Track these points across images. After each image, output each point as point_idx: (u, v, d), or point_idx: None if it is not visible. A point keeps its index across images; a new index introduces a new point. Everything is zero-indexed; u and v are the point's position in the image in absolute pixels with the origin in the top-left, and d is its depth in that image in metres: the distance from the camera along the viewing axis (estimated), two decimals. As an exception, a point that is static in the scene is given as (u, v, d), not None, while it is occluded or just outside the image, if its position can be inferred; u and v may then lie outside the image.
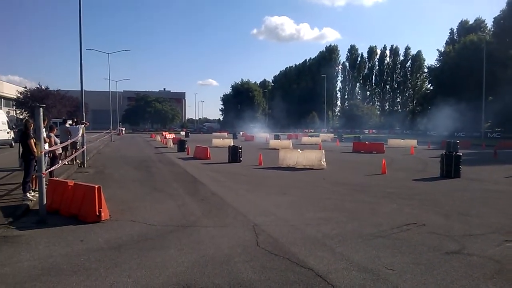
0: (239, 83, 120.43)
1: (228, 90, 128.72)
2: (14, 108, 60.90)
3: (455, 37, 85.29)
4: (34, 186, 11.28)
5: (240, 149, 22.50)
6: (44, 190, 8.56)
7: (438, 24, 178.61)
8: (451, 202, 10.87)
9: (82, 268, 5.72)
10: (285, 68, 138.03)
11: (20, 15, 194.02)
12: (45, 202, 8.51)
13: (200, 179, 15.17)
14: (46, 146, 10.99)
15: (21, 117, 56.29)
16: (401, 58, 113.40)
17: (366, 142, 35.37)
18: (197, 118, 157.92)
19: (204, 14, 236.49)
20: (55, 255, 6.26)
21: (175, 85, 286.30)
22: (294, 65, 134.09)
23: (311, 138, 49.59)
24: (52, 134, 13.89)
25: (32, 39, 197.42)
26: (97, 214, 8.33)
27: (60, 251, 6.49)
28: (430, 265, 5.85)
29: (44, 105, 9.60)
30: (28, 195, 10.55)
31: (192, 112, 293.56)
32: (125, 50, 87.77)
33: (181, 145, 30.91)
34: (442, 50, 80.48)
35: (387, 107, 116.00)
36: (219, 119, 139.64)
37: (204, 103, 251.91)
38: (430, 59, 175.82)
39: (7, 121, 33.28)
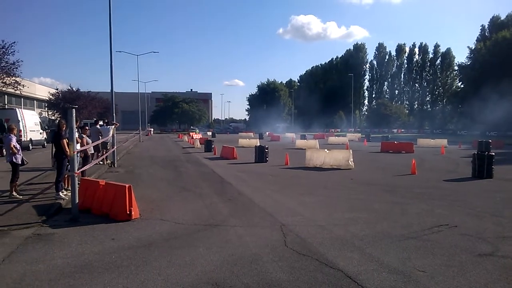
0: (265, 83, 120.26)
1: (254, 90, 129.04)
2: (46, 109, 62.56)
3: (486, 34, 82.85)
4: (66, 185, 11.58)
5: (267, 149, 22.53)
6: (77, 189, 8.78)
7: (468, 21, 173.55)
8: (484, 203, 10.58)
9: (113, 265, 5.83)
10: (312, 67, 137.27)
11: (52, 19, 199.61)
12: (77, 201, 8.73)
13: (227, 179, 15.25)
14: (78, 146, 11.25)
15: (53, 118, 57.83)
16: (431, 55, 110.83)
17: (395, 142, 34.83)
18: (223, 119, 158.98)
19: (230, 15, 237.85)
20: (87, 253, 6.41)
21: (202, 86, 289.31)
22: (320, 64, 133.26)
23: (338, 138, 49.18)
24: (84, 135, 14.22)
25: (64, 42, 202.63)
26: (128, 212, 8.48)
27: (92, 249, 6.64)
28: (463, 268, 5.72)
29: (76, 106, 9.84)
30: (61, 194, 10.83)
31: (218, 112, 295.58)
32: (154, 52, 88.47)
33: (207, 145, 31.16)
34: (473, 47, 78.18)
35: (416, 106, 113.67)
36: (245, 119, 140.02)
37: (230, 103, 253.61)
38: (461, 56, 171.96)
39: (40, 122, 34.24)
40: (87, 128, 15.72)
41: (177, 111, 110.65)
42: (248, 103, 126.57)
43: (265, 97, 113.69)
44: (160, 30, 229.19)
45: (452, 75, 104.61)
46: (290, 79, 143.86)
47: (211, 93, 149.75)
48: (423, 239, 7.11)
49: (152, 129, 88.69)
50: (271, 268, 5.67)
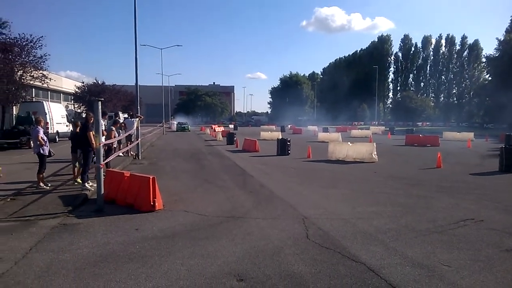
0: (288, 75, 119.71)
1: (276, 83, 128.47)
2: (72, 102, 63.59)
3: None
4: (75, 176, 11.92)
5: (289, 142, 22.47)
6: (102, 180, 8.93)
7: (497, 11, 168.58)
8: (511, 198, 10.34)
9: (137, 255, 5.92)
10: (335, 60, 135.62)
11: (78, 14, 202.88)
12: (102, 192, 8.89)
13: (249, 172, 15.28)
14: (103, 138, 11.43)
15: (79, 111, 58.83)
16: (458, 47, 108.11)
17: (420, 135, 34.23)
18: (245, 111, 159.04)
19: (253, 7, 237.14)
20: (112, 243, 6.52)
21: (224, 79, 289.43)
22: (344, 57, 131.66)
23: (361, 131, 48.60)
24: (113, 128, 14.46)
25: (90, 37, 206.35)
26: (152, 204, 8.60)
27: (117, 239, 6.75)
28: (489, 262, 5.60)
29: (102, 99, 9.98)
30: (87, 185, 11.04)
31: (240, 105, 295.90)
32: (177, 45, 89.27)
33: (230, 138, 31.27)
34: (502, 39, 75.83)
35: (442, 98, 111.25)
36: (267, 112, 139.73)
37: (253, 96, 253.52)
38: (489, 48, 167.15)
39: (66, 114, 34.91)
40: (119, 123, 15.99)
41: (200, 104, 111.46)
42: (270, 96, 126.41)
43: (288, 90, 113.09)
44: (184, 24, 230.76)
45: (479, 67, 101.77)
46: (313, 72, 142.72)
47: (233, 86, 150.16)
48: (448, 234, 6.98)
49: (175, 122, 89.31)
50: (293, 261, 5.66)
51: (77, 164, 12.16)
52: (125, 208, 8.87)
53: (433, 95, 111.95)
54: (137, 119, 20.40)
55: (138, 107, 22.78)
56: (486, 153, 23.74)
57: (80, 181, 11.60)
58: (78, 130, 12.13)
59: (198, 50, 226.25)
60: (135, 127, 19.80)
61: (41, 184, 11.07)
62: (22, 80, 31.82)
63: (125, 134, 17.82)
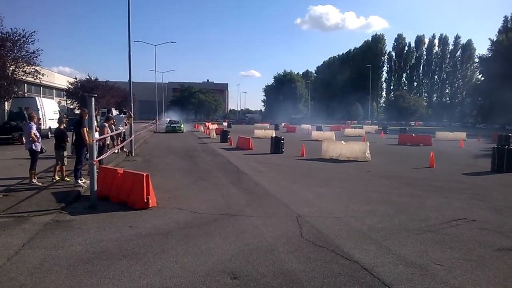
0: (282, 73, 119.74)
1: (270, 81, 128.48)
2: (65, 98, 63.25)
3: (509, 25, 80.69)
4: (64, 175, 11.82)
5: (283, 140, 22.50)
6: (95, 177, 8.89)
7: (490, 11, 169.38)
8: (503, 197, 10.42)
9: (131, 253, 5.91)
10: (329, 58, 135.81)
11: (71, 9, 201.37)
12: (96, 188, 8.85)
13: (243, 169, 15.28)
14: (97, 134, 11.38)
15: (71, 107, 58.53)
16: (451, 47, 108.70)
17: (413, 135, 34.38)
18: (239, 109, 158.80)
19: (247, 5, 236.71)
20: (105, 240, 6.50)
21: (218, 76, 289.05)
22: (338, 55, 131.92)
23: (355, 129, 48.70)
24: (106, 125, 14.37)
25: (82, 32, 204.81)
26: (145, 201, 8.58)
27: (110, 236, 6.73)
28: (482, 262, 5.65)
29: (96, 95, 9.94)
30: (80, 181, 10.99)
31: (234, 103, 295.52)
32: (171, 42, 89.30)
33: (223, 135, 31.24)
34: (494, 39, 76.41)
35: (434, 98, 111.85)
36: (261, 110, 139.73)
37: (246, 94, 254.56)
38: (482, 48, 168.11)
39: (59, 110, 34.70)
40: (112, 120, 15.92)
41: (193, 102, 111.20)
42: (264, 94, 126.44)
43: (282, 88, 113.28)
44: (178, 21, 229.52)
45: (472, 67, 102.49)
46: (307, 70, 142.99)
47: (227, 84, 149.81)
48: (441, 233, 7.03)
49: (168, 119, 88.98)
50: (286, 259, 5.68)
51: (65, 162, 12.04)
52: (118, 205, 8.85)
53: (426, 95, 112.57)
54: (127, 115, 20.37)
55: (132, 104, 22.69)
56: (478, 153, 23.90)
57: (58, 178, 11.58)
58: (62, 127, 12.06)
59: (192, 47, 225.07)
60: (124, 123, 19.77)
61: (34, 180, 10.99)
62: (15, 76, 31.60)
63: (116, 132, 17.74)
